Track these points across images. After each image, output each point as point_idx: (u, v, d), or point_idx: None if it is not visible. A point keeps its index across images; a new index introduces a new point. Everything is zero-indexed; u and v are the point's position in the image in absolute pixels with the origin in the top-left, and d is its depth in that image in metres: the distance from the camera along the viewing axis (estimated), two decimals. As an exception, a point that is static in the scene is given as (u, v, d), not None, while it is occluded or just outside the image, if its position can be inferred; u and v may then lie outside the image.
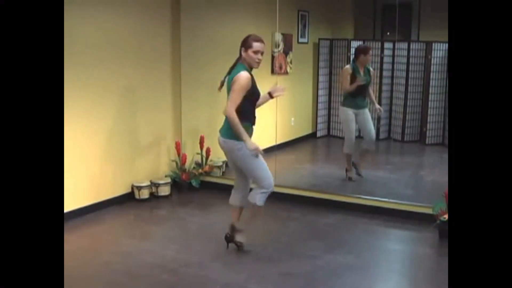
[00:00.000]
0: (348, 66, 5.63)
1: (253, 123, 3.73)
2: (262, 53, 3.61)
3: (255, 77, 3.70)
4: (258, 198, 3.72)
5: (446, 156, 5.90)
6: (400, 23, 6.01)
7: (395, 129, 6.79)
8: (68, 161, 4.34)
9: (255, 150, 3.57)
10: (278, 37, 6.48)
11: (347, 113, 5.59)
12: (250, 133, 3.68)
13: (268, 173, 3.72)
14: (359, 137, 5.77)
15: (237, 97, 3.55)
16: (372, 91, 5.81)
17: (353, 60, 5.64)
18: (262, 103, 3.83)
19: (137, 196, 5.18)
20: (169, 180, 5.47)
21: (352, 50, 6.79)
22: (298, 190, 5.22)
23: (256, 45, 3.57)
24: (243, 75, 3.54)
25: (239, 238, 3.88)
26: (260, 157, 3.68)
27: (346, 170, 5.73)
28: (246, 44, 3.61)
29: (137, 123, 5.26)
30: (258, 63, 3.61)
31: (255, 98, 3.71)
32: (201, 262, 3.71)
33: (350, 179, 5.69)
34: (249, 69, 3.64)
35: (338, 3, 7.53)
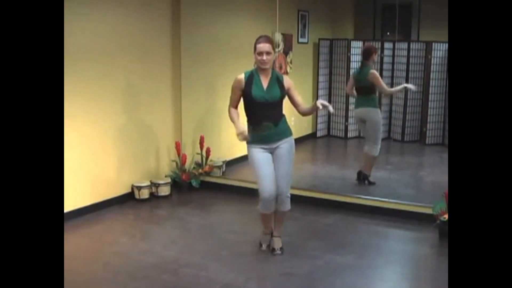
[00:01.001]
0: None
1: (266, 125, 3.65)
2: (267, 53, 3.57)
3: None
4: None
5: (446, 156, 5.89)
6: (400, 23, 6.01)
7: (395, 129, 6.80)
8: (68, 161, 4.33)
9: (239, 134, 3.58)
10: (278, 37, 6.47)
11: (380, 115, 5.48)
12: (263, 134, 3.66)
13: (262, 182, 3.66)
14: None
15: (231, 96, 3.77)
16: None
17: (363, 61, 5.45)
18: (308, 111, 3.74)
19: (137, 196, 5.19)
20: (169, 180, 5.47)
21: (353, 50, 6.81)
22: (298, 190, 5.21)
23: (258, 47, 3.60)
24: (236, 77, 3.71)
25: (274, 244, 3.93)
26: (261, 164, 3.67)
27: (365, 174, 5.50)
28: (253, 48, 3.66)
29: (137, 123, 5.26)
30: (263, 63, 3.59)
31: (254, 101, 3.62)
32: (201, 262, 3.71)
33: (373, 183, 5.52)
34: (258, 70, 3.67)
35: (338, 3, 7.54)
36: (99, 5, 4.69)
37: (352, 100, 6.93)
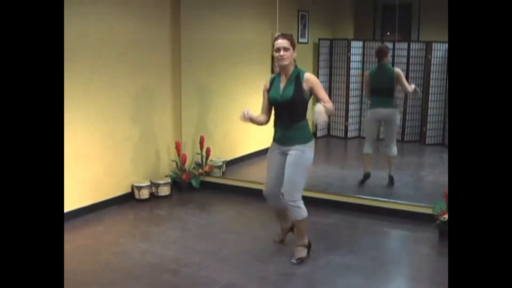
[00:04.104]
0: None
1: (281, 126, 3.67)
2: (284, 49, 3.57)
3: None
4: None
5: (446, 156, 5.89)
6: (400, 23, 6.00)
7: (395, 129, 6.78)
8: (68, 161, 4.34)
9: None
10: (278, 37, 6.47)
11: None
12: (278, 135, 3.71)
13: (266, 179, 3.84)
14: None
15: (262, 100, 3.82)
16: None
17: (380, 62, 5.45)
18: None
19: (137, 196, 5.19)
20: (169, 180, 5.47)
21: (353, 50, 6.81)
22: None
23: (275, 43, 3.63)
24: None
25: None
26: (270, 164, 3.78)
27: (392, 176, 5.53)
28: (272, 47, 3.69)
29: (137, 123, 5.26)
30: (281, 59, 3.59)
31: (275, 103, 3.67)
32: (201, 262, 3.71)
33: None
34: (280, 72, 3.70)
35: (338, 3, 7.53)
36: (98, 8, 4.69)
37: (352, 100, 6.94)
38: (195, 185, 5.58)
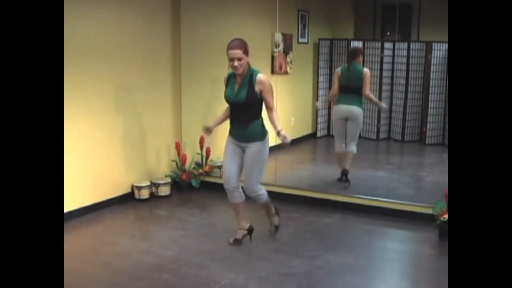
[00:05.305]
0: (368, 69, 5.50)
1: (237, 124, 3.79)
2: (238, 59, 3.59)
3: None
4: None
5: (446, 156, 5.89)
6: (400, 23, 6.00)
7: (395, 129, 6.78)
8: (68, 161, 4.33)
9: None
10: (278, 37, 6.47)
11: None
12: (235, 131, 3.83)
13: (224, 172, 3.96)
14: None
15: None
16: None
17: (351, 60, 5.55)
18: (272, 124, 3.76)
19: (137, 196, 5.19)
20: (169, 180, 5.47)
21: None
22: (298, 190, 5.22)
23: (229, 53, 3.64)
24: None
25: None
26: (227, 156, 3.89)
27: (346, 170, 5.60)
28: (226, 52, 3.70)
29: (137, 123, 5.26)
30: (234, 69, 3.64)
31: (226, 100, 3.81)
32: (201, 262, 3.71)
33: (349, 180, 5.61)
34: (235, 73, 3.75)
35: (338, 3, 7.53)
36: (99, 5, 4.69)
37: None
38: (195, 185, 5.58)
